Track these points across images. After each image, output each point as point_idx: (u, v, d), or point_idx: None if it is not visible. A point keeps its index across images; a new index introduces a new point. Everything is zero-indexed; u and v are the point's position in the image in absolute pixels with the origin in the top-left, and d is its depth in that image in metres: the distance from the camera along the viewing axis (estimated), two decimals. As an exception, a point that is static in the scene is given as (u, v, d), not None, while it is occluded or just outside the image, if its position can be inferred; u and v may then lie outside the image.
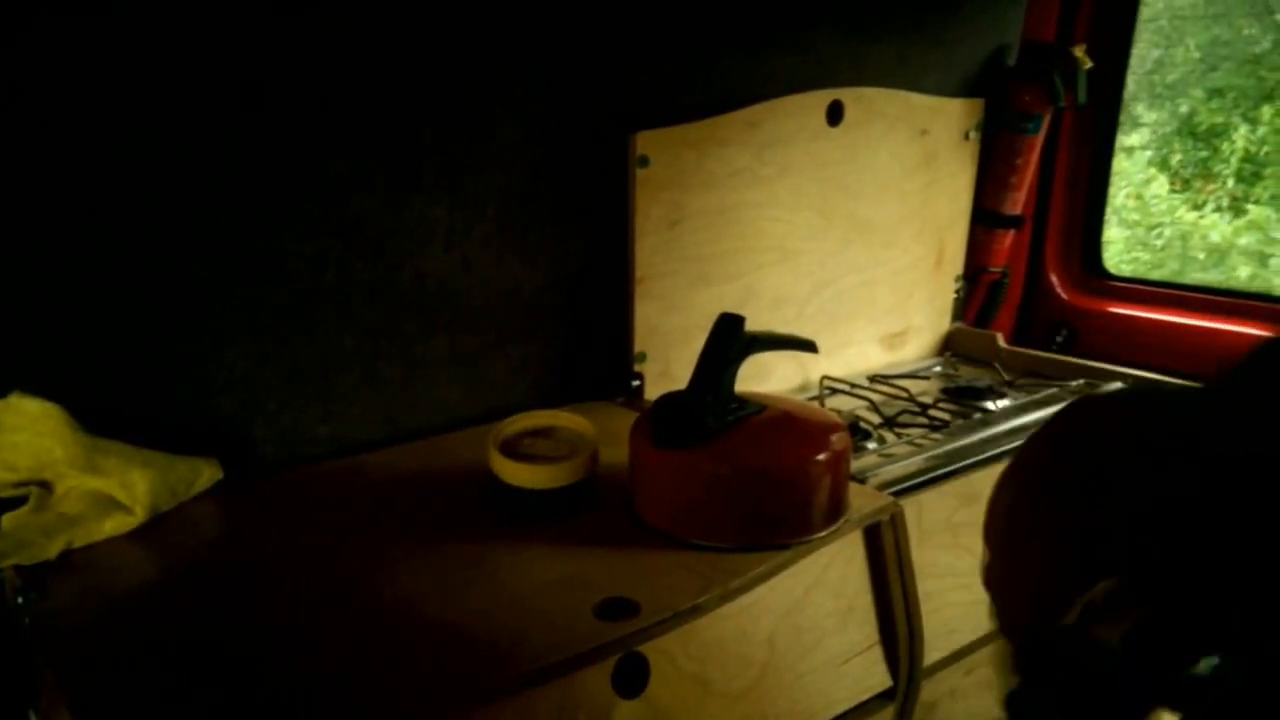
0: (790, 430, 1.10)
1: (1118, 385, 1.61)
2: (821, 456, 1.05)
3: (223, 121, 1.12)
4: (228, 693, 0.80)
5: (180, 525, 1.09)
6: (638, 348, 1.47)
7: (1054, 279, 2.09)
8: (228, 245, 1.16)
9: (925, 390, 1.66)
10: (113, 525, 1.05)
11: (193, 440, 1.17)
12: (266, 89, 1.14)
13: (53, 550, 1.00)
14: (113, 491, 1.07)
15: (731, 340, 1.09)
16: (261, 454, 1.24)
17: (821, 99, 1.57)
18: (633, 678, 0.91)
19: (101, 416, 1.10)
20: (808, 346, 1.17)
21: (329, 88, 1.18)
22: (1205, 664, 1.52)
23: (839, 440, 1.08)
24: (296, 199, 1.19)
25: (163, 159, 1.10)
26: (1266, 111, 3.63)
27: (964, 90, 1.79)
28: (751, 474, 1.04)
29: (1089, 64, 1.80)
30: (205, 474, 1.16)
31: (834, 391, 1.67)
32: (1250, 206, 3.66)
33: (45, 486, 1.07)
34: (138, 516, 1.07)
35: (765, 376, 1.64)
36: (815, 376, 1.70)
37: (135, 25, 1.04)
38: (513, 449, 1.13)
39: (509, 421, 1.17)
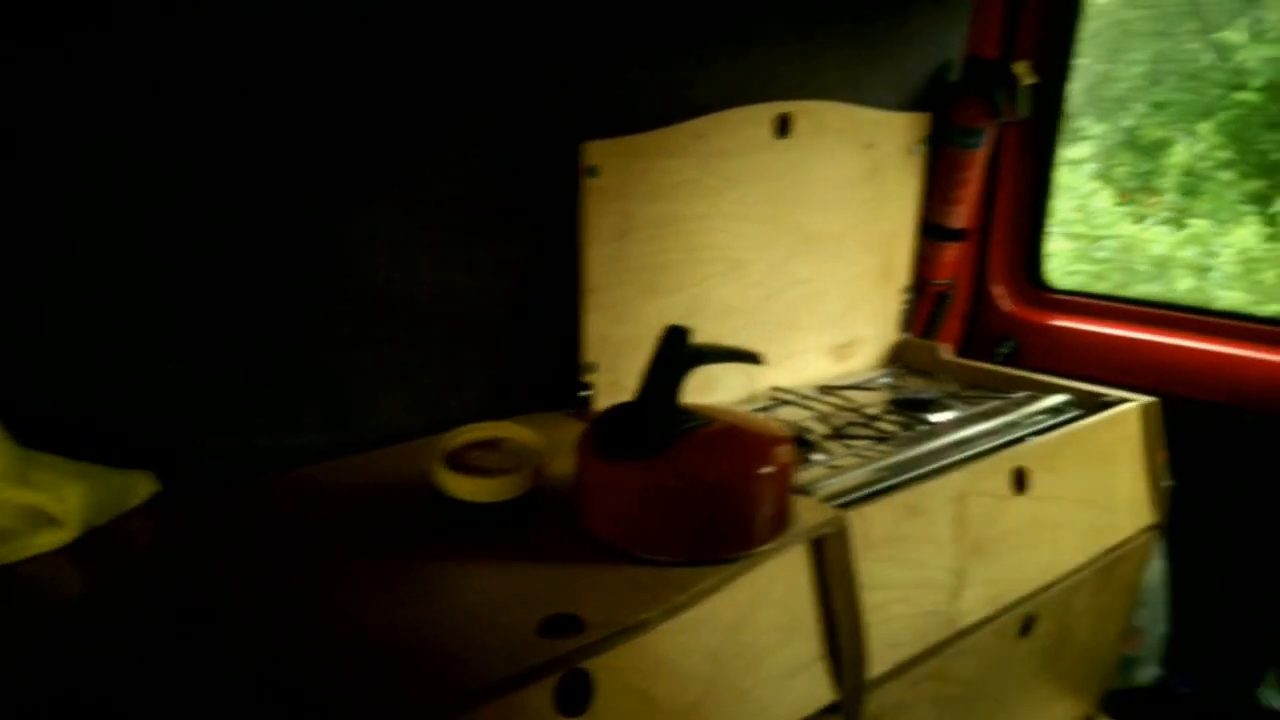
0: (736, 443, 1.10)
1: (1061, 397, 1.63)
2: (766, 470, 1.05)
3: (162, 127, 1.10)
4: (160, 716, 0.78)
5: (115, 540, 1.07)
6: (587, 358, 1.46)
7: (998, 291, 2.11)
8: (166, 251, 1.14)
9: (872, 401, 1.67)
10: (45, 540, 1.03)
11: (129, 453, 1.15)
12: (208, 96, 1.12)
13: (-19, 565, 0.97)
14: (45, 505, 1.04)
15: (677, 353, 1.09)
16: (200, 467, 1.22)
17: (769, 111, 1.57)
18: (577, 695, 0.90)
19: (34, 428, 1.07)
20: (753, 359, 1.17)
21: (274, 95, 1.16)
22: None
23: (784, 453, 1.08)
24: (239, 206, 1.17)
25: (96, 162, 1.07)
26: (1205, 127, 3.70)
27: (909, 104, 1.81)
28: (697, 487, 1.03)
29: (1031, 79, 1.82)
30: (141, 487, 1.14)
31: (782, 402, 1.68)
32: (1191, 220, 3.72)
33: (-26, 500, 1.04)
34: (71, 531, 1.04)
35: (713, 387, 1.64)
36: (764, 387, 1.71)
37: (73, 28, 1.02)
38: (458, 461, 1.12)
39: (455, 433, 1.16)
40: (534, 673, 0.85)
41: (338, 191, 1.24)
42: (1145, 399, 1.60)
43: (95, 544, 1.06)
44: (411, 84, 1.26)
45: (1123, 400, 1.59)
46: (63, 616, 0.93)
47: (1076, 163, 3.93)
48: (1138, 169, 3.98)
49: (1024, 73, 1.81)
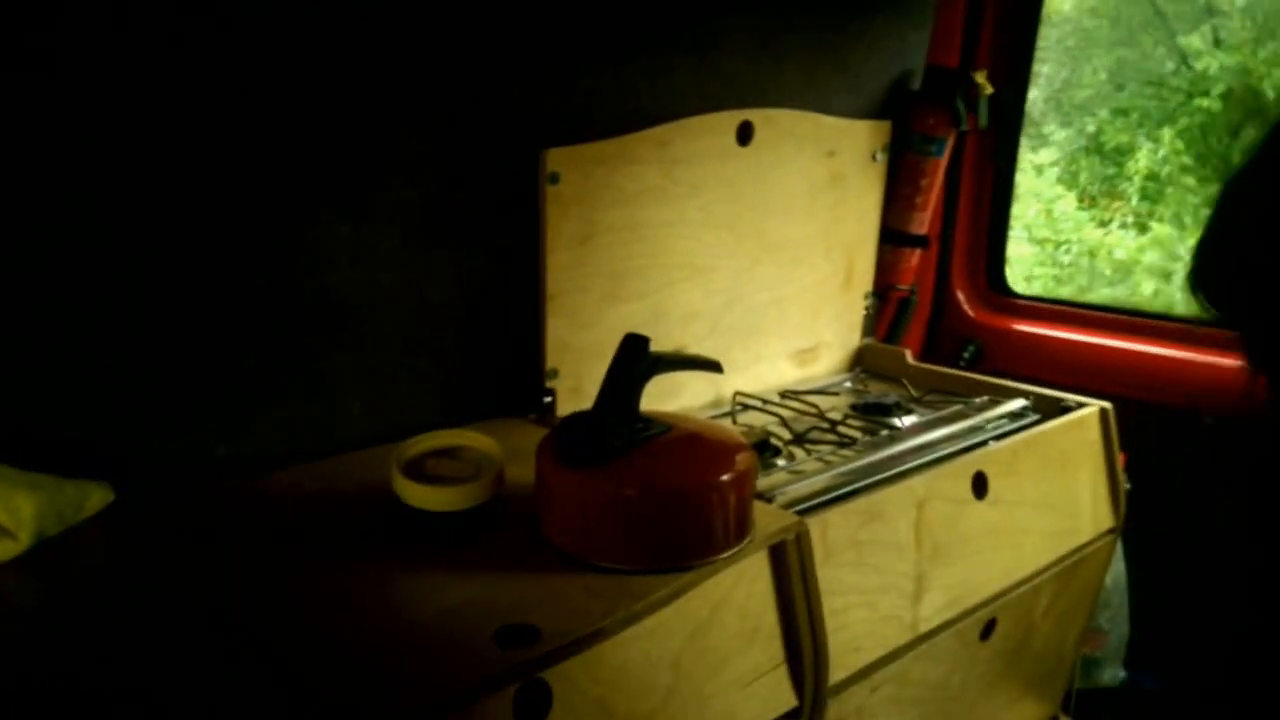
0: (695, 450, 1.10)
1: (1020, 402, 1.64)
2: (726, 477, 1.05)
3: (115, 130, 1.09)
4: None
5: (68, 551, 1.05)
6: (549, 364, 1.46)
7: (960, 296, 2.13)
8: (120, 257, 1.13)
9: (835, 406, 1.68)
10: (-4, 552, 1.02)
11: (83, 462, 1.13)
12: (160, 99, 1.11)
13: (-70, 579, 0.96)
14: (-4, 517, 1.02)
15: (636, 361, 1.09)
16: (155, 475, 1.20)
17: (731, 119, 1.57)
18: (535, 705, 0.90)
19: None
20: (713, 367, 1.17)
21: (231, 100, 1.16)
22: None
23: (744, 460, 1.08)
24: (195, 211, 1.16)
25: (52, 164, 1.06)
26: (1167, 133, 3.73)
27: (871, 112, 1.82)
28: (656, 495, 1.03)
29: (990, 89, 1.84)
30: (95, 497, 1.12)
31: (746, 407, 1.68)
32: (1153, 224, 3.75)
33: (-77, 511, 1.03)
34: (22, 543, 1.03)
35: (678, 393, 1.64)
36: (728, 392, 1.71)
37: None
38: (416, 470, 1.11)
39: (413, 441, 1.16)
40: (491, 683, 0.85)
41: (295, 197, 1.24)
42: (1104, 403, 1.61)
43: (47, 555, 1.04)
44: (371, 89, 1.26)
45: (1082, 404, 1.61)
46: (12, 631, 0.92)
47: (1041, 167, 3.96)
48: (1101, 174, 4.02)
49: (984, 83, 1.83)
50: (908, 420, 1.59)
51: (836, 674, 1.19)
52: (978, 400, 1.66)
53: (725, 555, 1.06)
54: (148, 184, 1.12)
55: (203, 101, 1.14)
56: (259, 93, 1.17)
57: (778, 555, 1.14)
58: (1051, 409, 1.62)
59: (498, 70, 1.35)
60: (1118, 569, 1.87)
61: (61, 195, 1.08)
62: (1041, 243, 3.85)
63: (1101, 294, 3.72)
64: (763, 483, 1.29)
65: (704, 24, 1.53)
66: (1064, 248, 3.87)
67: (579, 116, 1.44)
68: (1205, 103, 3.62)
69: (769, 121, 1.62)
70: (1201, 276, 0.68)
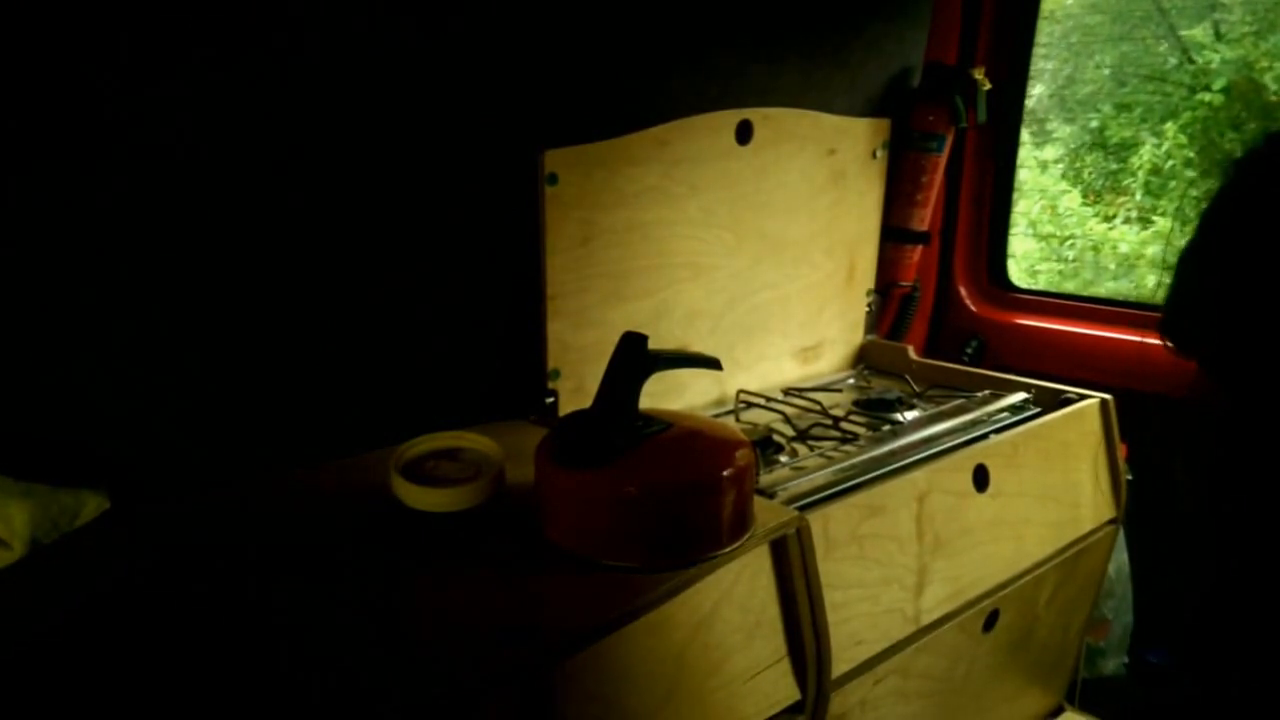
0: (694, 447, 1.11)
1: (1021, 395, 1.65)
2: (725, 473, 1.06)
3: (105, 141, 1.10)
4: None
5: (62, 559, 1.06)
6: (551, 365, 1.47)
7: (962, 292, 2.14)
8: (110, 265, 1.13)
9: (838, 403, 1.68)
10: (-12, 561, 1.02)
11: (79, 470, 1.13)
12: (149, 110, 1.12)
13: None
14: (-11, 527, 1.03)
15: (635, 360, 1.10)
16: (152, 481, 1.20)
17: (730, 118, 1.58)
18: (537, 703, 0.91)
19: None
20: (712, 364, 1.18)
21: (225, 98, 1.16)
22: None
23: (743, 456, 1.09)
24: (189, 217, 1.17)
25: (46, 177, 1.07)
26: (1170, 128, 3.73)
27: (870, 110, 1.83)
28: (655, 492, 1.04)
29: (988, 85, 1.84)
30: (91, 504, 1.12)
31: (749, 405, 1.69)
32: (1157, 218, 3.75)
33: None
34: (15, 551, 1.03)
35: (682, 391, 1.65)
36: (731, 390, 1.72)
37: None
38: (416, 471, 1.12)
39: (412, 443, 1.16)
40: (494, 681, 0.86)
41: (294, 200, 1.24)
42: (1104, 395, 1.61)
43: (41, 563, 1.05)
44: (369, 90, 1.27)
45: (1083, 396, 1.61)
46: (4, 640, 0.92)
47: (1045, 164, 3.96)
48: (1105, 169, 4.01)
49: (982, 79, 1.84)
50: (910, 415, 1.60)
51: (839, 667, 1.20)
52: (979, 394, 1.67)
53: (726, 551, 1.07)
54: (140, 185, 1.13)
55: (200, 104, 1.15)
56: (254, 93, 1.18)
57: (779, 550, 1.15)
58: (1052, 401, 1.62)
59: (497, 70, 1.36)
60: (1120, 559, 1.88)
61: (60, 198, 1.09)
62: (1046, 238, 3.86)
63: (1106, 288, 3.73)
64: (765, 479, 1.30)
65: (702, 23, 1.54)
66: (1068, 243, 3.87)
67: (578, 116, 1.44)
68: (1208, 97, 3.62)
69: (768, 120, 1.63)
70: (1167, 326, 0.92)
